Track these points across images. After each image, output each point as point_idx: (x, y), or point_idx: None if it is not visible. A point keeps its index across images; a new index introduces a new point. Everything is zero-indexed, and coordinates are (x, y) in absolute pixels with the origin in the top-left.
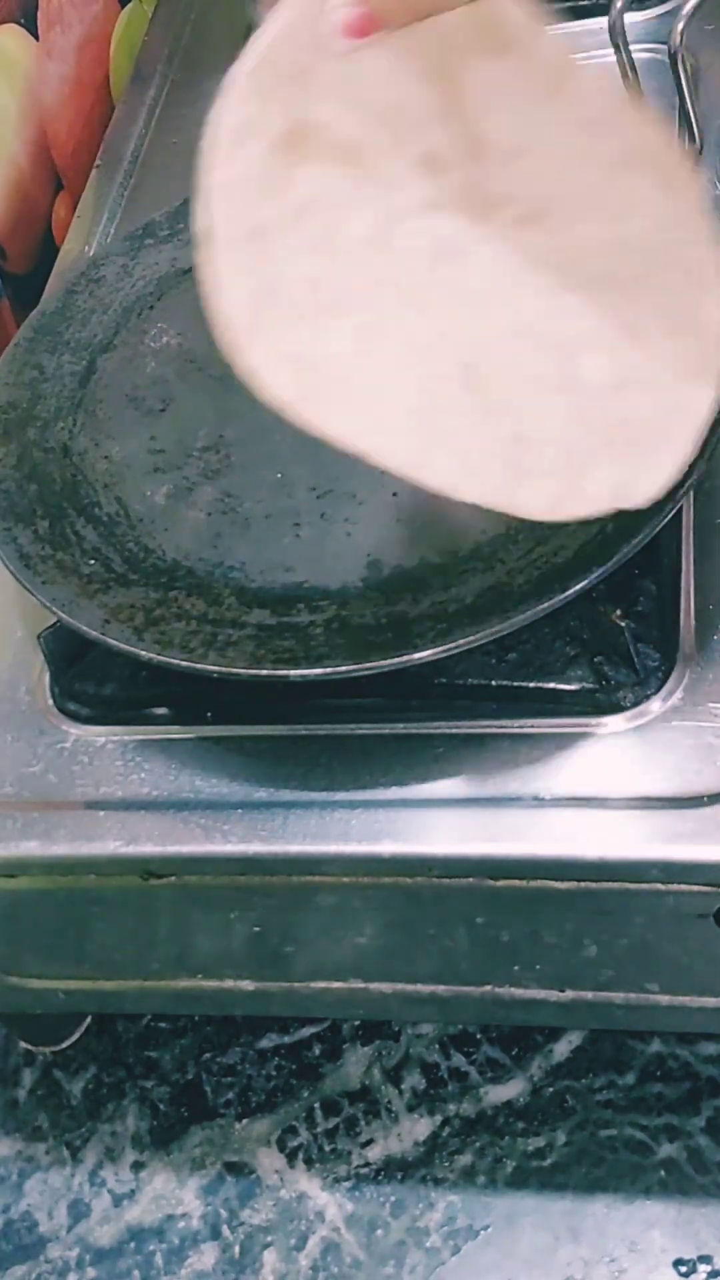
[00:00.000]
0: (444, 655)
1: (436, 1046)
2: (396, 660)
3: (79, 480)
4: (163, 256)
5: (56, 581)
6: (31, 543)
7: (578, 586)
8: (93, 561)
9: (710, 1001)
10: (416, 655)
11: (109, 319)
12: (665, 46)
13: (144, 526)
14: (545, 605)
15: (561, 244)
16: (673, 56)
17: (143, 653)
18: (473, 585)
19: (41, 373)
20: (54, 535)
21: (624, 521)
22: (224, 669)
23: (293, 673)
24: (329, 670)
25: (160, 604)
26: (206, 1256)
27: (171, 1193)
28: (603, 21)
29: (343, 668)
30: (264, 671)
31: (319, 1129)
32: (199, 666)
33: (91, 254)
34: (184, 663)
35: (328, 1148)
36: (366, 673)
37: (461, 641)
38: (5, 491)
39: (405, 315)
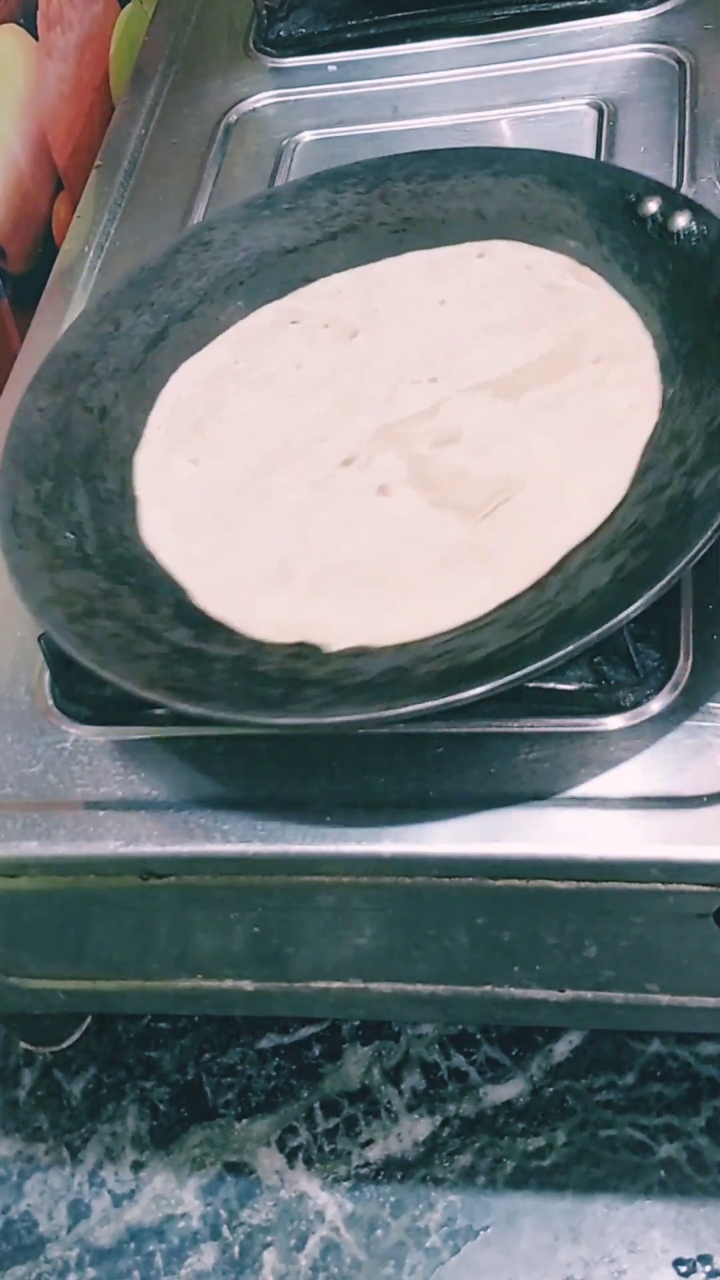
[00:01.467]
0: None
1: (436, 1046)
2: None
3: (99, 447)
4: (273, 231)
5: (30, 548)
6: (31, 502)
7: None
8: (70, 535)
9: (710, 1001)
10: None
11: (199, 287)
12: (665, 46)
13: (134, 510)
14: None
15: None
16: (672, 56)
17: (70, 649)
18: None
19: (116, 328)
20: (52, 498)
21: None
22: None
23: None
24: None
25: (105, 596)
26: (206, 1256)
27: (171, 1193)
28: (603, 21)
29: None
30: (158, 697)
31: (319, 1129)
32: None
33: (204, 218)
34: (98, 669)
35: (328, 1148)
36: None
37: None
38: (32, 444)
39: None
